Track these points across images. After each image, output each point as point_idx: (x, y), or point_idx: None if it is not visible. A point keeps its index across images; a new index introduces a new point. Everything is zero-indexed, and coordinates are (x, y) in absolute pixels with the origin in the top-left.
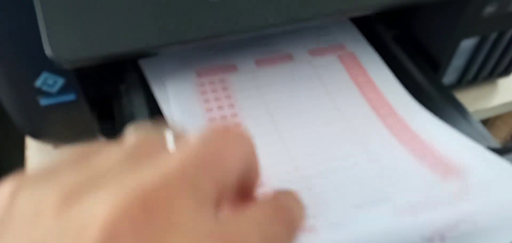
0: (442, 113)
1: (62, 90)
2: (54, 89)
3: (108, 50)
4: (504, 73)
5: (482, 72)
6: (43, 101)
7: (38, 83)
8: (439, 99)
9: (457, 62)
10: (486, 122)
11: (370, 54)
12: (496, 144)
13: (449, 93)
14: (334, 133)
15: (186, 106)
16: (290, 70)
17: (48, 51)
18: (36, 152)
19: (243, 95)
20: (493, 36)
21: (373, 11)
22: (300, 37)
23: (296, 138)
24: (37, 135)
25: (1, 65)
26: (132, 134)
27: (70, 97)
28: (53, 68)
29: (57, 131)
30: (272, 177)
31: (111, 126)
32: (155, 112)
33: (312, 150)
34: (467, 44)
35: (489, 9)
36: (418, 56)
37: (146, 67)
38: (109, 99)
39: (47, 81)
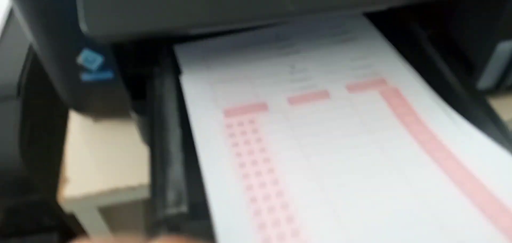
0: (474, 120)
1: (101, 68)
2: (94, 66)
3: (138, 28)
4: None
5: None
6: (84, 77)
7: (80, 59)
8: (472, 105)
9: (494, 66)
10: None
11: (415, 87)
12: None
13: (484, 98)
14: (383, 182)
15: (214, 152)
16: (327, 109)
17: (83, 27)
18: (78, 125)
19: (276, 138)
20: None
21: (396, 5)
22: (336, 70)
23: (339, 189)
24: (79, 109)
25: (48, 41)
26: None
27: (108, 74)
28: (94, 45)
29: (96, 106)
30: (313, 236)
31: (142, 105)
32: (182, 97)
33: (359, 202)
34: (505, 47)
35: None
36: (453, 57)
37: (180, 53)
38: (143, 79)
39: (88, 58)
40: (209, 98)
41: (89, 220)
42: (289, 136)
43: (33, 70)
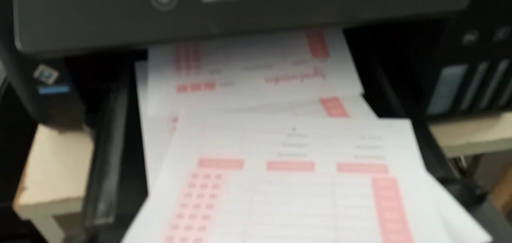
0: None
1: (57, 82)
2: (50, 80)
3: (70, 45)
4: (508, 107)
5: (477, 104)
6: (42, 90)
7: (36, 74)
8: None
9: (445, 91)
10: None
11: (419, 185)
12: (455, 175)
13: (424, 124)
14: None
15: (164, 192)
16: (303, 182)
17: (18, 44)
18: (44, 136)
19: (230, 199)
20: (482, 66)
21: (348, 26)
22: (336, 144)
23: None
24: (43, 121)
25: (8, 57)
26: None
27: (64, 88)
28: (49, 61)
29: (58, 118)
30: None
31: (94, 118)
32: (133, 112)
33: None
34: (452, 72)
35: (469, 37)
36: (404, 81)
37: (139, 71)
38: (101, 94)
39: (44, 73)
40: (188, 144)
41: (46, 227)
42: (245, 200)
43: (9, 84)
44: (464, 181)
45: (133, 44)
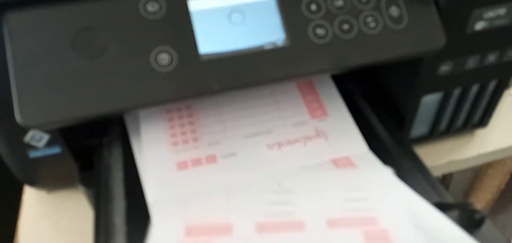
0: (402, 169)
1: (49, 144)
2: (41, 143)
3: (71, 116)
4: (480, 124)
5: (453, 125)
6: (32, 154)
7: (27, 138)
8: (400, 156)
9: (425, 116)
10: (478, 171)
11: (410, 231)
12: (449, 199)
13: (411, 150)
14: None
15: None
16: None
17: (18, 118)
18: (32, 197)
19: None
20: (457, 91)
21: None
22: (322, 198)
23: None
24: (31, 183)
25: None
26: None
27: (56, 150)
28: None
29: (47, 179)
30: None
31: (89, 177)
32: (129, 166)
33: None
34: (430, 99)
35: (445, 68)
36: (387, 110)
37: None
38: (92, 150)
39: (35, 137)
40: (172, 212)
41: None
42: None
43: None
44: (462, 205)
45: (135, 107)
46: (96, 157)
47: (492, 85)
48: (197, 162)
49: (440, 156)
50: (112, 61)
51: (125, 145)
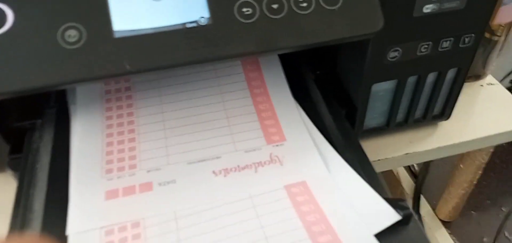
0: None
1: None
2: None
3: None
4: (442, 116)
5: (411, 116)
6: None
7: None
8: (343, 146)
9: (379, 105)
10: (452, 162)
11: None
12: (384, 193)
13: (355, 140)
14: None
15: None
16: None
17: None
18: None
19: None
20: (411, 80)
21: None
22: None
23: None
24: None
25: None
26: None
27: None
28: None
29: None
30: None
31: (18, 160)
32: (58, 151)
33: None
34: (383, 87)
35: (394, 54)
36: (339, 97)
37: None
38: (25, 132)
39: None
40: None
41: None
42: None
43: None
44: (392, 201)
45: (43, 87)
46: (27, 140)
47: (450, 74)
48: (129, 191)
49: (397, 148)
50: (17, 36)
51: (60, 127)
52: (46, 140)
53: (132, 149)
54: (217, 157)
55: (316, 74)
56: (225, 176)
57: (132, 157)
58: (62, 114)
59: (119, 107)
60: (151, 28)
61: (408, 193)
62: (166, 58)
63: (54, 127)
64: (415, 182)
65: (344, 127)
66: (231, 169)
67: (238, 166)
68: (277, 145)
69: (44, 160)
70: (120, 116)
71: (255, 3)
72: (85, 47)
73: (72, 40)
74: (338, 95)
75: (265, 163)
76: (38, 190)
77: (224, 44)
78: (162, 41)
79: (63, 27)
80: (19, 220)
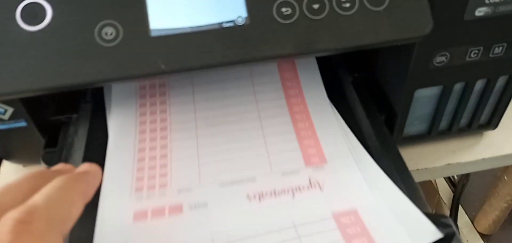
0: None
1: (13, 117)
2: (6, 116)
3: (7, 90)
4: (489, 125)
5: (456, 124)
6: None
7: None
8: (380, 153)
9: (421, 112)
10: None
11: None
12: (424, 207)
13: (394, 147)
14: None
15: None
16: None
17: None
18: (9, 169)
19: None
20: (458, 86)
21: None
22: None
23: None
24: (3, 156)
25: None
26: None
27: (21, 123)
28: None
29: (18, 153)
30: None
31: (52, 154)
32: (92, 147)
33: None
34: (427, 94)
35: (441, 59)
36: (378, 102)
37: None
38: (61, 126)
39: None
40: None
41: None
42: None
43: None
44: (434, 217)
45: (79, 84)
46: (62, 134)
47: (501, 81)
48: (159, 213)
49: (439, 158)
50: (54, 32)
51: (94, 123)
52: (81, 135)
53: (163, 166)
54: (252, 179)
55: (353, 76)
56: (260, 201)
57: (163, 175)
58: (97, 110)
59: (153, 121)
60: (187, 28)
61: (446, 202)
62: (202, 58)
63: (89, 122)
64: (454, 192)
65: (383, 134)
66: (266, 194)
67: (274, 190)
68: (317, 168)
69: (77, 155)
70: (153, 130)
71: (295, 3)
72: (121, 45)
73: (108, 37)
74: (377, 99)
75: (303, 188)
76: None
77: (261, 45)
78: (198, 41)
79: (100, 24)
80: None
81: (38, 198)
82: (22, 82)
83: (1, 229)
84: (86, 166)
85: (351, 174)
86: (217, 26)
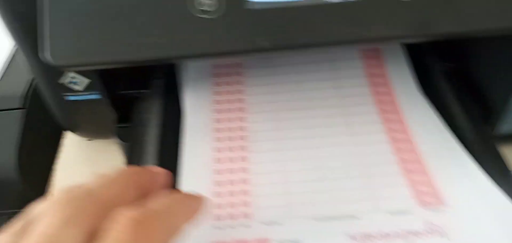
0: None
1: (88, 89)
2: (80, 87)
3: (102, 59)
4: None
5: None
6: (70, 97)
7: (65, 80)
8: (480, 153)
9: None
10: None
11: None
12: None
13: (492, 143)
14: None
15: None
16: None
17: (47, 56)
18: (72, 142)
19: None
20: None
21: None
22: None
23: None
24: (69, 128)
25: (36, 61)
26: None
27: (95, 96)
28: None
29: (86, 125)
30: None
31: (126, 130)
32: (169, 123)
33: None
34: None
35: None
36: (470, 96)
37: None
38: (133, 101)
39: (74, 80)
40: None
41: None
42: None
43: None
44: None
45: (171, 58)
46: (135, 110)
47: None
48: None
49: None
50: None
51: (168, 100)
52: (155, 112)
53: (245, 192)
54: (354, 216)
55: (445, 65)
56: None
57: (246, 203)
58: (170, 86)
59: (231, 138)
60: (290, 1)
61: None
62: (307, 35)
63: (163, 99)
64: None
65: (481, 131)
66: (374, 236)
67: (384, 233)
68: (433, 211)
69: (153, 133)
70: (231, 148)
71: None
72: (220, 17)
73: (205, 8)
74: (472, 91)
75: (420, 233)
76: (146, 165)
77: (372, 24)
78: (303, 16)
79: None
80: None
81: (159, 206)
82: (111, 53)
83: (117, 225)
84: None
85: (480, 218)
86: (323, 1)
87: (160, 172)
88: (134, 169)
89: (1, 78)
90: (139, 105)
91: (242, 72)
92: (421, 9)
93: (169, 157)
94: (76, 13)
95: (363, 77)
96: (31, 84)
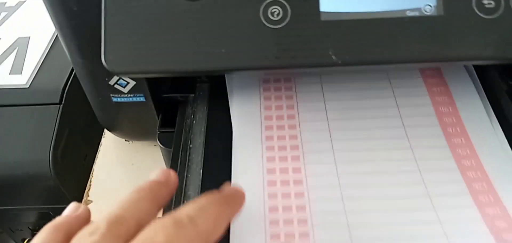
0: None
1: (133, 91)
2: (126, 89)
3: (157, 68)
4: None
5: None
6: (115, 98)
7: (111, 82)
8: None
9: None
10: None
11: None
12: None
13: None
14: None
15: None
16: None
17: (103, 62)
18: (110, 142)
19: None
20: None
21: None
22: None
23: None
24: (111, 128)
25: (83, 62)
26: None
27: (139, 98)
28: None
29: (127, 127)
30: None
31: (168, 136)
32: (212, 132)
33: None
34: None
35: None
36: None
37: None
38: (177, 105)
39: (120, 81)
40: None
41: None
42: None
43: (76, 81)
44: None
45: (241, 68)
46: (179, 115)
47: None
48: None
49: None
50: (217, 8)
51: (213, 105)
52: (199, 118)
53: (302, 221)
54: None
55: (508, 84)
56: None
57: (305, 235)
58: (215, 91)
59: (282, 147)
60: (364, 13)
61: None
62: (380, 51)
63: (207, 105)
64: None
65: None
66: None
67: None
68: None
69: (198, 140)
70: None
71: None
72: (288, 27)
73: (275, 18)
74: None
75: None
76: (192, 174)
77: (453, 43)
78: (376, 30)
79: (266, 1)
80: (175, 204)
81: (191, 209)
82: (174, 61)
83: (155, 232)
84: (232, 189)
85: None
86: (400, 14)
87: (172, 175)
88: (151, 183)
89: (40, 68)
90: (183, 110)
91: (293, 79)
92: (509, 28)
93: (214, 164)
94: (133, 15)
95: (426, 96)
96: (69, 78)
